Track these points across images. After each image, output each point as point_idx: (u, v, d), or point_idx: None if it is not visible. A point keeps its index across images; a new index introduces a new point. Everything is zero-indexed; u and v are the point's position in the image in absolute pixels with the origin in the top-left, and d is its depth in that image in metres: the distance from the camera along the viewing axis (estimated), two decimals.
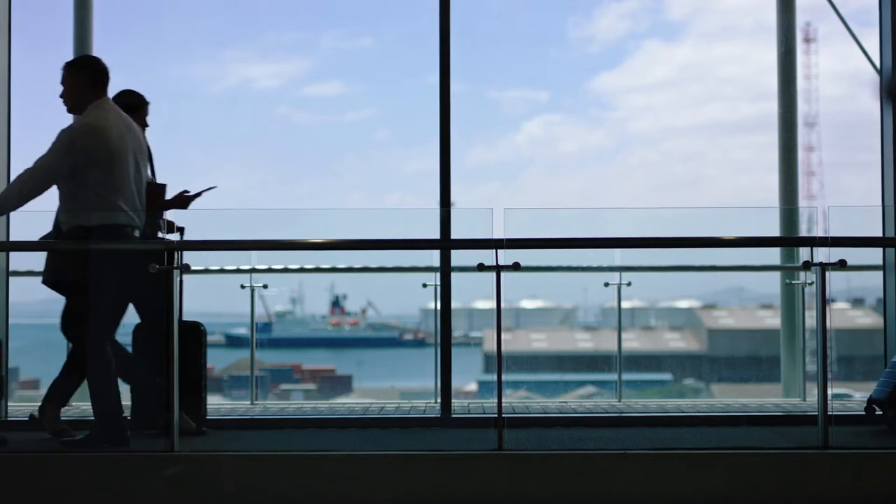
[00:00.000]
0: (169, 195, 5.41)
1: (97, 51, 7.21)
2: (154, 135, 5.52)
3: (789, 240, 6.89)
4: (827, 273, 4.75)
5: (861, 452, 4.71)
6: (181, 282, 4.94)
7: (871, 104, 6.43)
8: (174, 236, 5.39)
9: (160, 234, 5.35)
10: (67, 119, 5.20)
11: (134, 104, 5.40)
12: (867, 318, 36.81)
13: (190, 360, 5.22)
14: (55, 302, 6.86)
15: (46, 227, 5.26)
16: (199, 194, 5.45)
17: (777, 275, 7.30)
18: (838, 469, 4.61)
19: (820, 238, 4.79)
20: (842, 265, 4.81)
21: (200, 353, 5.45)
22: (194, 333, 5.43)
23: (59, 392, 5.26)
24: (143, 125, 5.46)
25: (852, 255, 4.88)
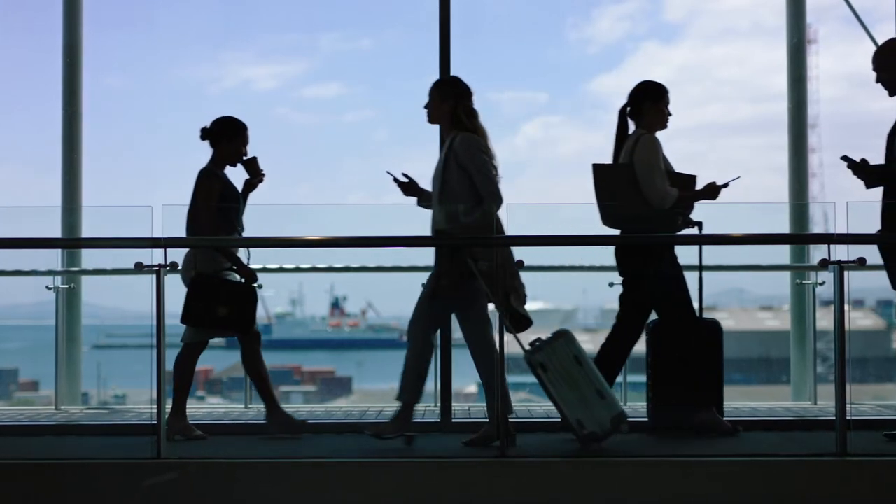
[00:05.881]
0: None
1: (90, 50, 7.03)
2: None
3: (804, 237, 6.73)
4: (845, 272, 4.55)
5: (880, 460, 4.55)
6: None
7: (871, 105, 6.31)
8: (693, 230, 5.35)
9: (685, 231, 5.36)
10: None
11: None
12: (867, 320, 36.78)
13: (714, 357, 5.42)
14: (51, 304, 6.69)
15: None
16: (726, 184, 5.34)
17: (780, 275, 7.12)
18: (857, 476, 4.45)
19: (838, 235, 4.57)
20: (861, 263, 4.62)
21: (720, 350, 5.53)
22: (719, 330, 5.55)
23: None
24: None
25: (862, 253, 4.70)
